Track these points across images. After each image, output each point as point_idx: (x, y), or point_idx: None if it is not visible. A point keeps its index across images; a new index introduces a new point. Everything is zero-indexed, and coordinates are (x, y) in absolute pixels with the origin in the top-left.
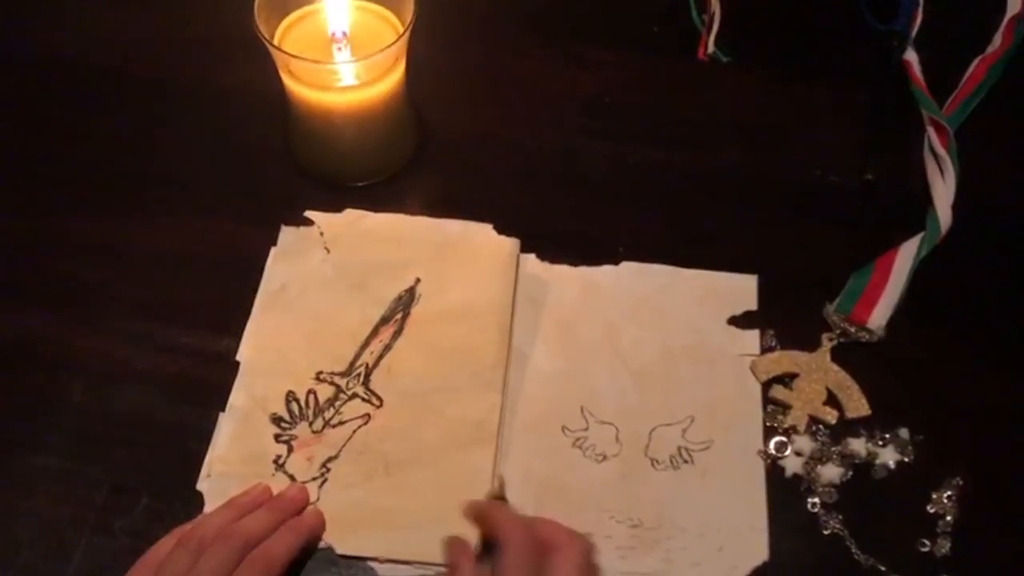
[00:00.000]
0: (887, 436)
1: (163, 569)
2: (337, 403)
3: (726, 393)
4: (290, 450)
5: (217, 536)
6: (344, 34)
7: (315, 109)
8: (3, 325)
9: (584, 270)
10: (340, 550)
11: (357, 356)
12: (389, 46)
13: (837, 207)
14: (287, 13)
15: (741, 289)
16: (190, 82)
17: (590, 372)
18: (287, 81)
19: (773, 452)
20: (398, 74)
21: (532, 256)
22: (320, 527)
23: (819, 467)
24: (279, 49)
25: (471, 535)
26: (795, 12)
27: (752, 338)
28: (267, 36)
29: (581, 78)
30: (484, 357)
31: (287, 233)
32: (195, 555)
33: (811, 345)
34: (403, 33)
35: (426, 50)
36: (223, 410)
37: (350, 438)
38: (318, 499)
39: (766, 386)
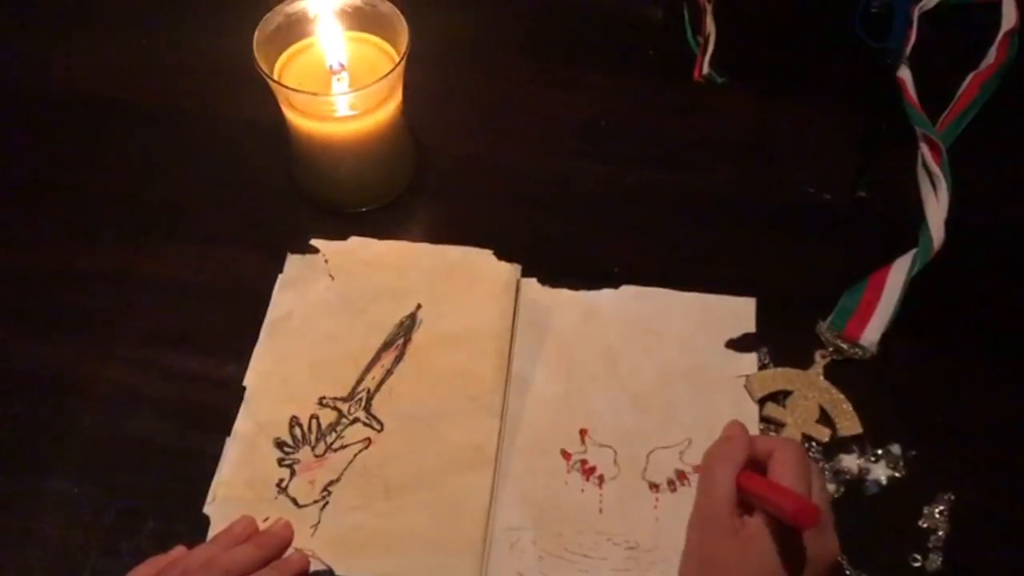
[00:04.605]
0: (879, 452)
1: None
2: (339, 427)
3: (724, 415)
4: (293, 474)
5: (200, 567)
6: (342, 65)
7: (315, 139)
8: (13, 352)
9: (584, 294)
10: (340, 572)
11: (359, 381)
12: (384, 76)
13: (830, 225)
14: (286, 46)
15: (740, 312)
16: (194, 112)
17: (589, 396)
18: (287, 112)
19: None
20: (395, 102)
21: (533, 281)
22: (305, 570)
23: None
24: (278, 83)
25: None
26: (788, 31)
27: (750, 361)
28: (266, 70)
29: (576, 102)
30: (483, 382)
31: (293, 261)
32: None
33: (805, 362)
34: (398, 63)
35: (423, 78)
36: (229, 435)
37: (351, 462)
38: (319, 522)
39: (761, 407)
